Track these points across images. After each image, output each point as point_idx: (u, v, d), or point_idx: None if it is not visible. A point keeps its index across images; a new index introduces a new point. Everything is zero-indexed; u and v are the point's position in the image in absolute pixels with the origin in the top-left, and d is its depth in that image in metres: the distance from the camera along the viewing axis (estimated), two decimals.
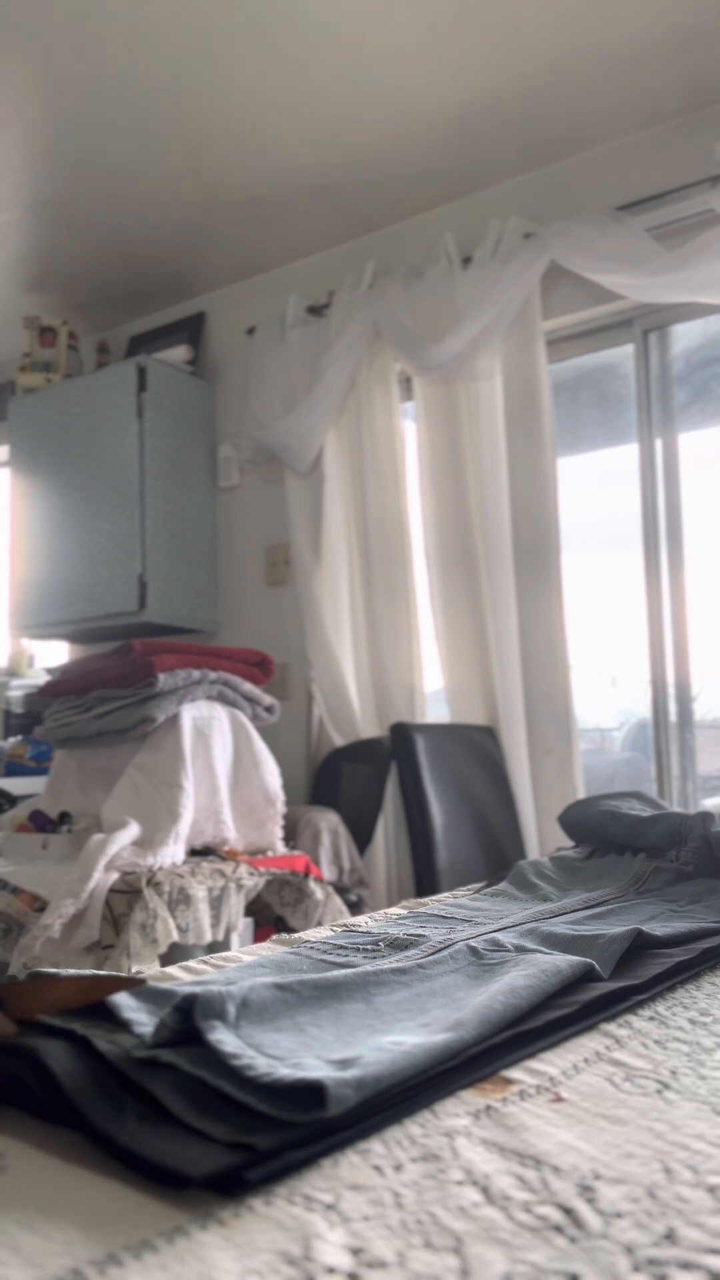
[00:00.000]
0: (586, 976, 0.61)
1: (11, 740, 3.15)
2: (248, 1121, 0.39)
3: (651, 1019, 0.58)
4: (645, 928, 0.70)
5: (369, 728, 2.80)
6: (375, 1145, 0.40)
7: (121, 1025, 0.47)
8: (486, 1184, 0.37)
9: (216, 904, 1.93)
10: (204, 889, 1.90)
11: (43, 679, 3.46)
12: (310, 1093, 0.40)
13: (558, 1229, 0.33)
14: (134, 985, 0.47)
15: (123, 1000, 0.49)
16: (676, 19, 2.13)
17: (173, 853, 1.93)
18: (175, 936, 1.80)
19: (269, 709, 2.28)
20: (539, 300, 2.59)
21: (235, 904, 1.97)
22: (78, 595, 3.15)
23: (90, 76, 2.29)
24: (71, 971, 0.52)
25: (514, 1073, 0.48)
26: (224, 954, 0.71)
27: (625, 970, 0.64)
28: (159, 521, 3.07)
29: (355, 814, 2.61)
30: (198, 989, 0.50)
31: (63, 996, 0.46)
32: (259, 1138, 0.38)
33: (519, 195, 2.71)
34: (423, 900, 0.94)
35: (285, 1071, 0.41)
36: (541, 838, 2.54)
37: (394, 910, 0.90)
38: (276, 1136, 0.38)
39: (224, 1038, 0.44)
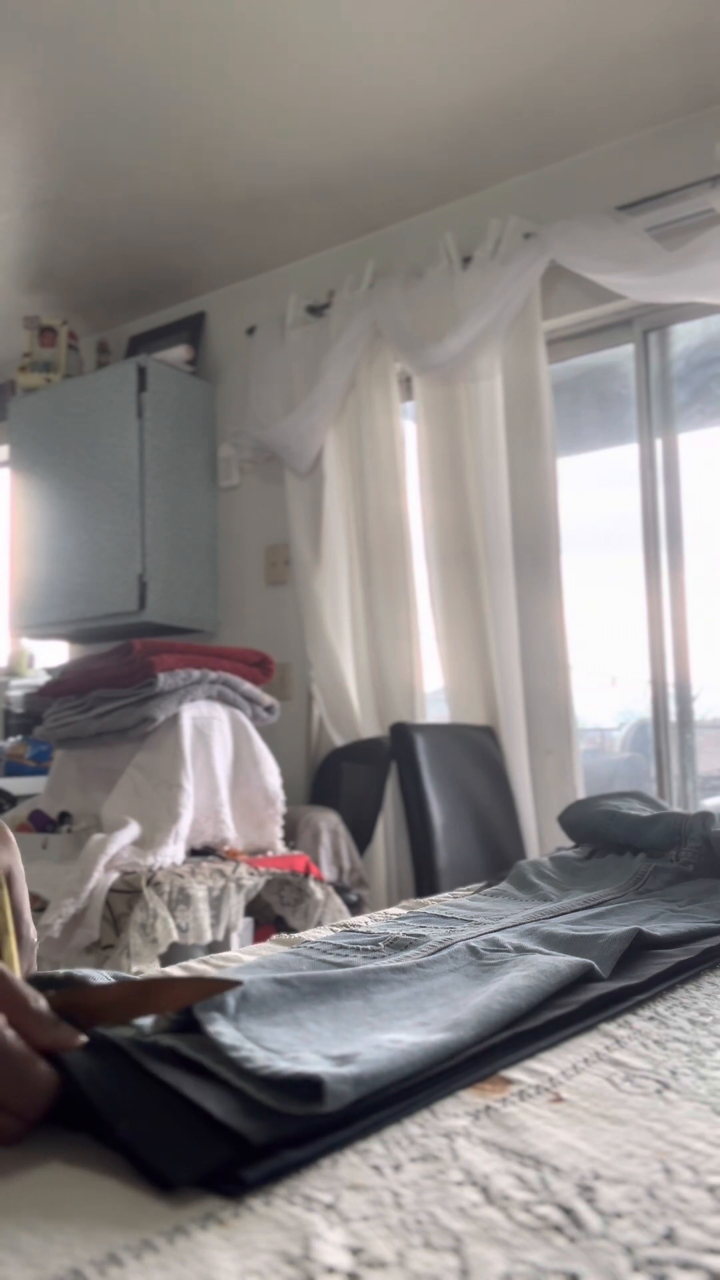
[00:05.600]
0: (586, 976, 0.61)
1: (11, 740, 3.15)
2: (244, 1107, 0.39)
3: (651, 1019, 0.58)
4: (645, 928, 0.70)
5: (369, 728, 2.80)
6: (374, 1145, 0.40)
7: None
8: (486, 1184, 0.37)
9: (216, 904, 1.93)
10: (204, 889, 1.90)
11: (43, 679, 3.46)
12: (307, 1088, 0.40)
13: (557, 1229, 0.33)
14: (196, 993, 0.44)
15: None
16: (676, 19, 2.13)
17: (173, 853, 1.93)
18: (175, 936, 1.80)
19: (269, 709, 2.28)
20: (539, 300, 2.59)
21: (235, 904, 1.97)
22: (78, 595, 3.15)
23: (90, 76, 2.29)
24: (119, 975, 0.49)
25: (513, 1073, 0.48)
26: (224, 954, 0.71)
27: (625, 970, 0.64)
28: (159, 521, 3.07)
29: (355, 814, 2.61)
30: None
31: (117, 1003, 0.44)
32: (253, 1124, 0.38)
33: (519, 195, 2.71)
34: (423, 900, 0.94)
35: (283, 1065, 0.41)
36: (541, 838, 2.53)
37: (394, 910, 0.90)
38: (271, 1126, 0.38)
39: (223, 1029, 0.44)
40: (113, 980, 0.50)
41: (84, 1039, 0.42)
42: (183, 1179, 0.35)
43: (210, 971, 0.66)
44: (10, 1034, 0.39)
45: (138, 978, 0.44)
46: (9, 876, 0.57)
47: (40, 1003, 0.41)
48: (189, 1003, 0.44)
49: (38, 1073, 0.39)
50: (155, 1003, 0.44)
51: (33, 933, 0.54)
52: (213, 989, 0.45)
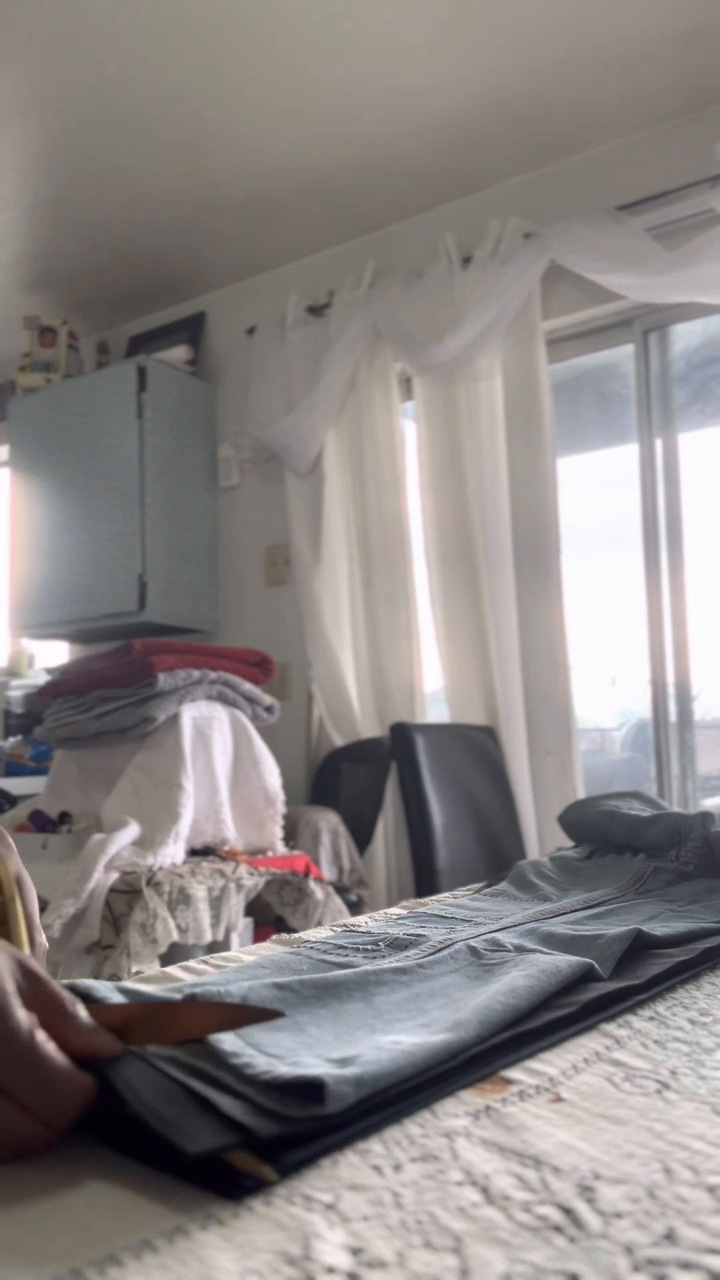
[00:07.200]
0: (586, 976, 0.61)
1: (11, 740, 3.15)
2: (249, 1109, 0.39)
3: (651, 1019, 0.58)
4: (645, 928, 0.70)
5: (369, 728, 2.80)
6: (374, 1145, 0.40)
7: None
8: (486, 1184, 0.37)
9: (216, 904, 1.93)
10: (204, 889, 1.90)
11: (43, 679, 3.46)
12: (309, 1090, 0.40)
13: (557, 1229, 0.33)
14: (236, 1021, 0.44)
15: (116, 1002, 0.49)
16: (676, 19, 2.13)
17: (173, 853, 1.93)
18: (175, 936, 1.80)
19: (269, 709, 2.28)
20: (539, 300, 2.59)
21: (235, 904, 1.97)
22: (78, 595, 3.14)
23: (90, 76, 2.29)
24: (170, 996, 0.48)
25: (513, 1073, 0.48)
26: (224, 954, 0.71)
27: (625, 970, 0.64)
28: (159, 521, 3.07)
29: (355, 814, 2.61)
30: (195, 989, 0.50)
31: (146, 1023, 0.43)
32: (259, 1121, 0.38)
33: (519, 195, 2.71)
34: (423, 900, 0.94)
35: (285, 1069, 0.41)
36: (541, 838, 2.53)
37: (394, 910, 0.90)
38: (275, 1124, 0.38)
39: (223, 1036, 0.44)
40: (114, 989, 0.50)
41: (122, 1046, 0.41)
42: (194, 1151, 0.35)
43: (210, 972, 0.66)
44: (49, 1045, 0.38)
45: (169, 999, 0.44)
46: (19, 882, 0.56)
47: (79, 1008, 0.41)
48: (219, 1029, 0.44)
49: (71, 1082, 0.38)
50: (185, 1026, 0.43)
51: (43, 938, 0.54)
52: (245, 1018, 0.44)
